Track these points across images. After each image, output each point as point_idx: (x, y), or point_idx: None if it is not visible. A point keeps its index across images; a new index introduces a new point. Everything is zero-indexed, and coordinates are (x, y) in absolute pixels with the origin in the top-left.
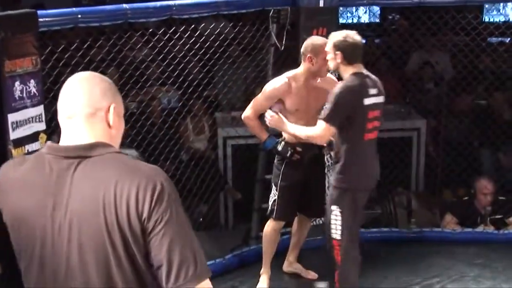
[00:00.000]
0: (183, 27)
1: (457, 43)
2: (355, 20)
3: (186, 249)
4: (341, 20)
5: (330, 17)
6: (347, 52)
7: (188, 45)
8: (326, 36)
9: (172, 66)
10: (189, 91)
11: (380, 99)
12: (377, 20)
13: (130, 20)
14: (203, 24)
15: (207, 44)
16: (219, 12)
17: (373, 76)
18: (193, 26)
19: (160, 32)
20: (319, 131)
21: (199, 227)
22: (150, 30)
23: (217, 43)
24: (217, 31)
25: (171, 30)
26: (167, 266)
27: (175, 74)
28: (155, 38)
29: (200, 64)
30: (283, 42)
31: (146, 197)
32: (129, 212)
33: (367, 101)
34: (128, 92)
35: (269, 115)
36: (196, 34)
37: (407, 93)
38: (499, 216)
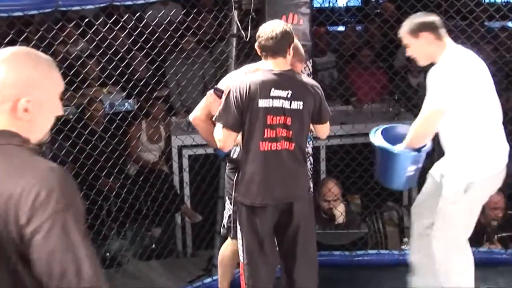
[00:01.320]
0: (127, 15)
1: (452, 29)
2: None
3: (67, 262)
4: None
5: (301, 2)
6: (260, 45)
7: (133, 37)
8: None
9: (115, 63)
10: (136, 92)
11: (295, 104)
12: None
13: (62, 8)
14: (150, 12)
15: (155, 36)
16: None
17: (298, 78)
18: (138, 14)
19: (99, 21)
20: (216, 134)
21: (151, 255)
22: (87, 19)
23: (168, 34)
24: (167, 19)
25: (111, 20)
26: (47, 279)
27: (118, 72)
28: (93, 30)
29: (148, 60)
30: (248, 32)
31: (27, 202)
32: (8, 217)
33: (264, 103)
34: (61, 95)
35: (212, 97)
36: (142, 23)
37: (395, 89)
38: (508, 234)
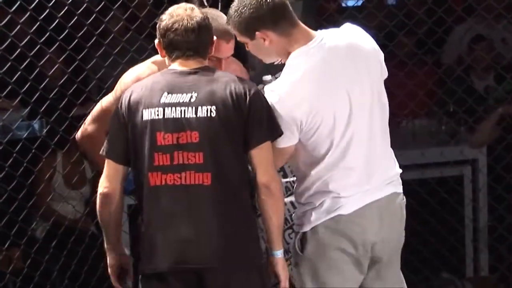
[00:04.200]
0: None
1: None
2: None
3: None
4: None
5: None
6: (168, 41)
7: (38, 23)
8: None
9: (10, 64)
10: (44, 108)
11: (203, 111)
12: None
13: None
14: None
15: (72, 21)
16: None
17: (214, 75)
18: None
19: None
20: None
21: None
22: None
23: (92, 18)
24: None
25: None
26: None
27: (15, 77)
28: None
29: (62, 58)
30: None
31: None
32: None
33: (150, 114)
34: None
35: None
36: (51, 3)
37: (448, 97)
38: None
